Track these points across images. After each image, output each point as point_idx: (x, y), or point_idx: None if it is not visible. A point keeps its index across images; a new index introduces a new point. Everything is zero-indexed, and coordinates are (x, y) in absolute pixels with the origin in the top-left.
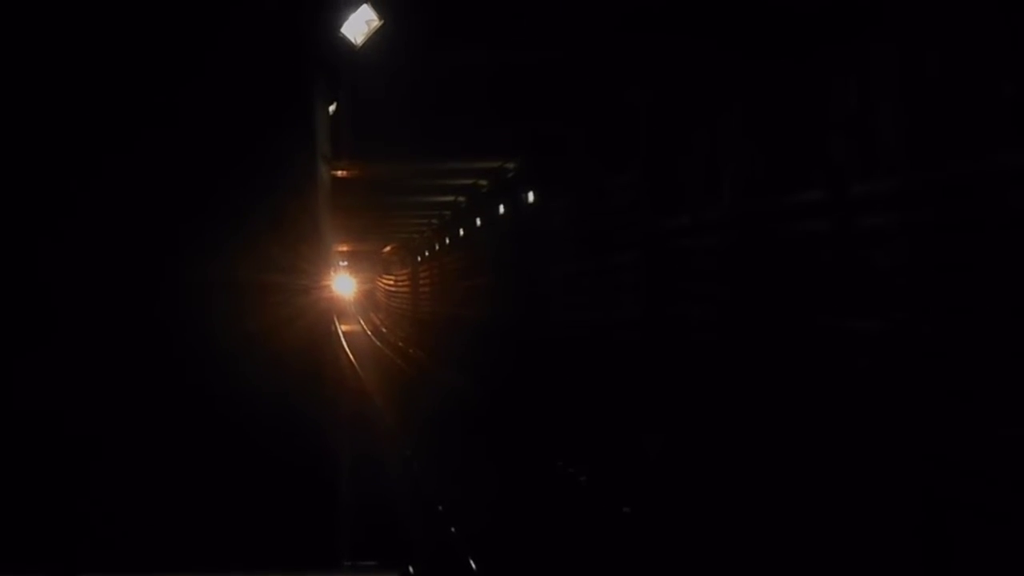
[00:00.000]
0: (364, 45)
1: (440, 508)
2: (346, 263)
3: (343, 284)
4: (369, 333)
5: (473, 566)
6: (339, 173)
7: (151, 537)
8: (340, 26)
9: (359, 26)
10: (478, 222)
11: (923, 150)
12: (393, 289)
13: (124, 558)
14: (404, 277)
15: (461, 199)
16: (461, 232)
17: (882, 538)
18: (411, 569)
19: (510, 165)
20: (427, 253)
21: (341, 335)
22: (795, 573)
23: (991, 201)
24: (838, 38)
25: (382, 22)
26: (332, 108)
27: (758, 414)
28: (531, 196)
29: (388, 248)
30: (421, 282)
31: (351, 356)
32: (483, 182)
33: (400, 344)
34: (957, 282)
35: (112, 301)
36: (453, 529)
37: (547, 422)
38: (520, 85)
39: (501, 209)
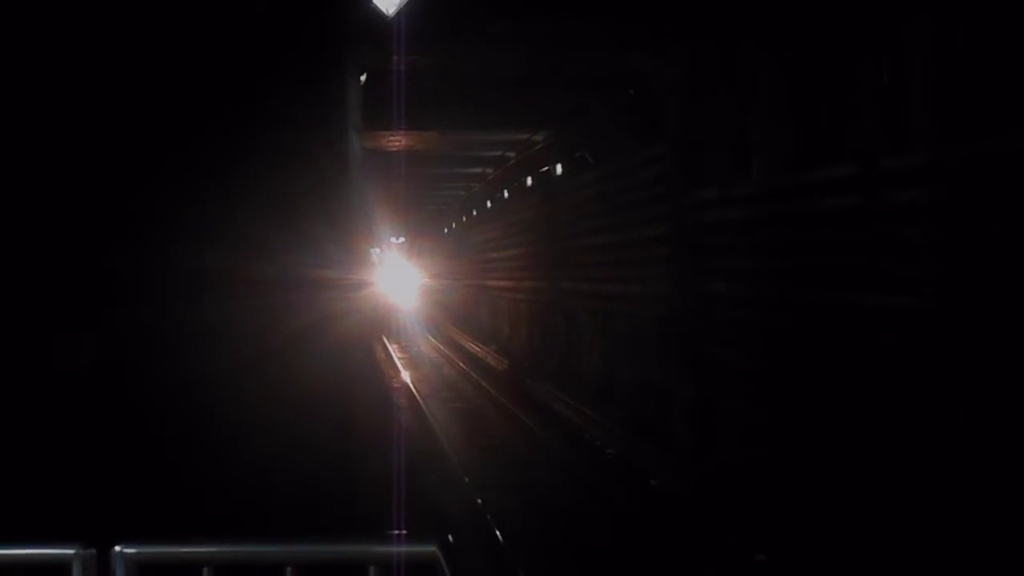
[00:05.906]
0: (396, 16)
1: (467, 480)
2: (402, 239)
3: (395, 276)
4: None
5: (500, 537)
6: (376, 144)
7: (194, 512)
8: None
9: None
10: (506, 194)
11: (954, 125)
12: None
13: (166, 529)
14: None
15: (488, 171)
16: (488, 204)
17: (909, 523)
18: (450, 538)
19: (539, 137)
20: (464, 218)
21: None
22: (824, 546)
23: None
24: (873, 4)
25: None
26: (363, 79)
27: (786, 392)
28: (559, 168)
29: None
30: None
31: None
32: (511, 154)
33: (430, 315)
34: (987, 257)
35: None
36: (479, 501)
37: (577, 399)
38: (554, 56)
39: (529, 181)
